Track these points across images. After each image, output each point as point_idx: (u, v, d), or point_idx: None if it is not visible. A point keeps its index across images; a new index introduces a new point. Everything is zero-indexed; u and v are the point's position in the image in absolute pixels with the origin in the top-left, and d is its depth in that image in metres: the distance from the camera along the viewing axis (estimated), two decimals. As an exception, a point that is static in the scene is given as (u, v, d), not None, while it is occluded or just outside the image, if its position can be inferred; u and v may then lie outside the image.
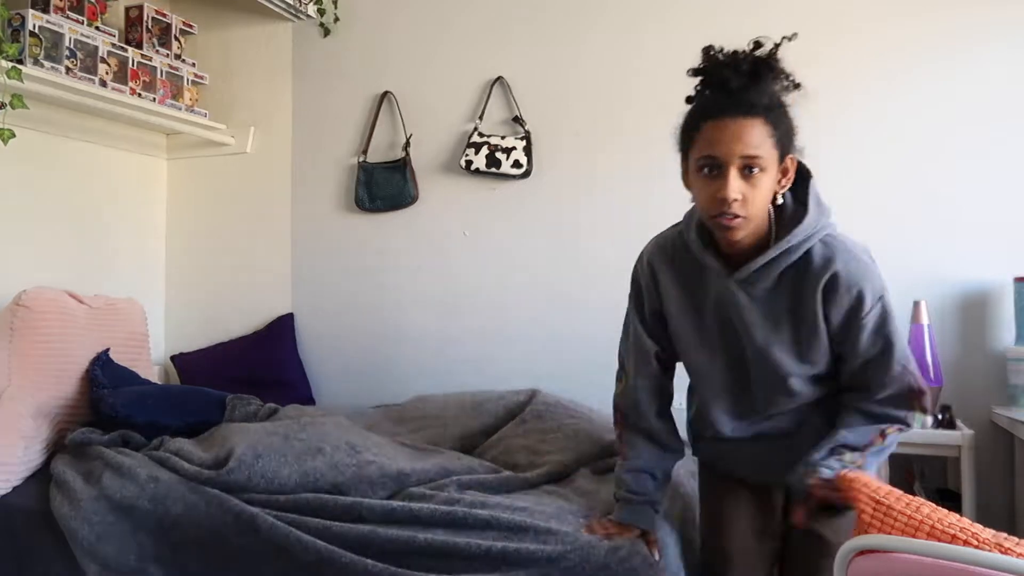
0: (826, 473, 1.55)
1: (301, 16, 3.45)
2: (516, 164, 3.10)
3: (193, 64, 3.46)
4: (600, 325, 3.05)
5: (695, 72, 1.64)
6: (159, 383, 3.15)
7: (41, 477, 2.32)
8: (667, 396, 1.87)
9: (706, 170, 1.56)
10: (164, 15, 3.35)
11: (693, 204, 1.69)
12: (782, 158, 1.58)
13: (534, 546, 1.75)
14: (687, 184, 1.66)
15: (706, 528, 1.89)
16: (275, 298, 3.49)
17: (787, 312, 1.64)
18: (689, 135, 1.62)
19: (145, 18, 3.26)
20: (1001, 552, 1.18)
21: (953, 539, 1.22)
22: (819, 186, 1.70)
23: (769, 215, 1.62)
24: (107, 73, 3.00)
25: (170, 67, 3.30)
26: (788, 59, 2.87)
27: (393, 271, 3.34)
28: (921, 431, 2.45)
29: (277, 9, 3.36)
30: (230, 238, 3.57)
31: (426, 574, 1.76)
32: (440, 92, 3.29)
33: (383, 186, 3.30)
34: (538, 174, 3.14)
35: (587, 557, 1.71)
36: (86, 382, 2.65)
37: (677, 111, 2.98)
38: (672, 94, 2.96)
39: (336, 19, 3.43)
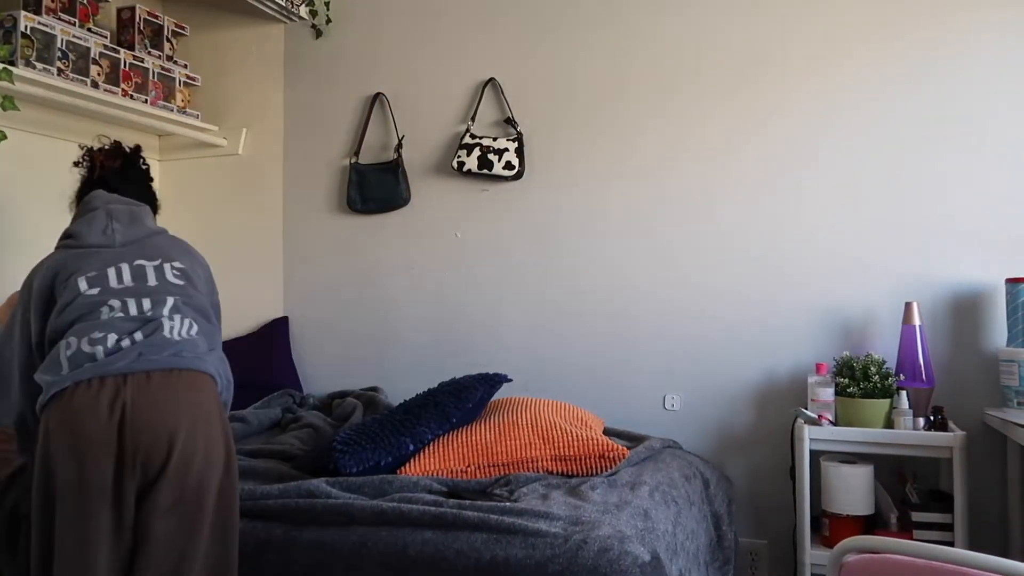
0: None
1: (293, 18, 3.44)
2: (508, 165, 3.10)
3: (185, 65, 3.46)
4: (592, 325, 3.06)
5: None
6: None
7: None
8: None
9: None
10: (156, 16, 3.34)
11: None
12: None
13: (522, 552, 1.75)
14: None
15: None
16: (268, 300, 3.49)
17: None
18: None
19: (137, 19, 3.25)
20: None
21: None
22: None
23: None
24: (99, 74, 2.99)
25: (162, 68, 3.29)
26: (785, 65, 2.91)
27: (385, 272, 3.34)
28: (914, 432, 2.46)
29: (269, 11, 3.35)
30: (222, 240, 3.56)
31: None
32: (432, 94, 3.29)
33: (375, 187, 3.30)
34: (530, 175, 3.14)
35: (575, 560, 1.71)
36: None
37: (669, 111, 3.00)
38: (664, 95, 2.99)
39: (328, 21, 3.43)
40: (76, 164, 2.21)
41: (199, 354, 1.83)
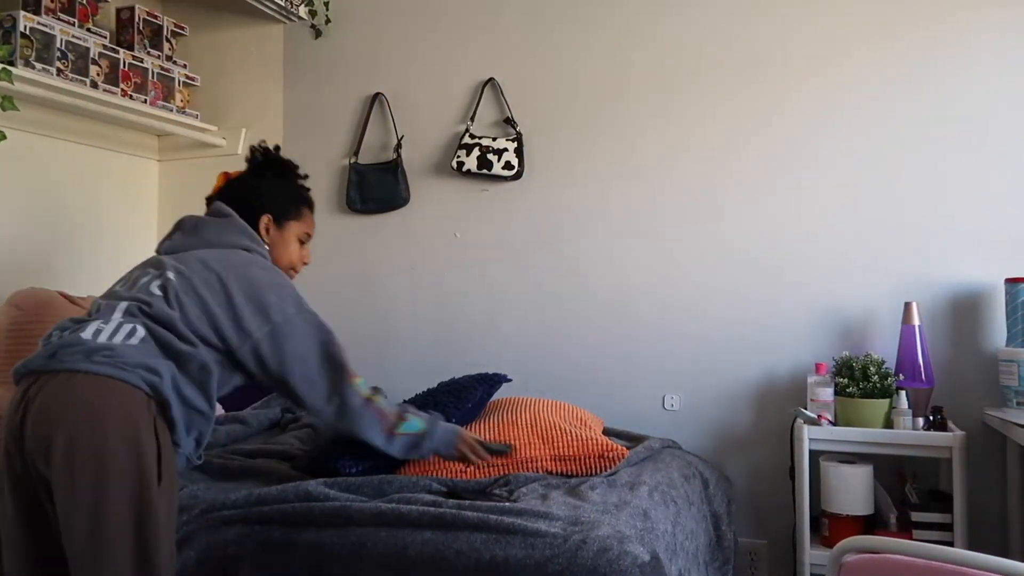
0: None
1: (292, 18, 3.44)
2: (507, 165, 3.10)
3: (184, 65, 3.45)
4: (592, 325, 3.06)
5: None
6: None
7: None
8: None
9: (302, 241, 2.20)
10: (155, 16, 3.34)
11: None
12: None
13: (522, 552, 1.75)
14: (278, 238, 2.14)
15: None
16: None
17: None
18: (298, 209, 2.18)
19: (136, 19, 3.25)
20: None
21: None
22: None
23: None
24: (98, 74, 2.99)
25: (161, 68, 3.29)
26: (785, 65, 2.90)
27: (385, 272, 3.33)
28: (914, 432, 2.46)
29: (268, 11, 3.35)
30: (222, 240, 3.56)
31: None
32: (431, 93, 3.29)
33: (375, 187, 3.30)
34: (529, 176, 3.14)
35: (574, 560, 1.71)
36: None
37: (669, 111, 3.00)
38: (664, 95, 2.99)
39: (327, 21, 3.43)
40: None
41: (118, 362, 1.67)
